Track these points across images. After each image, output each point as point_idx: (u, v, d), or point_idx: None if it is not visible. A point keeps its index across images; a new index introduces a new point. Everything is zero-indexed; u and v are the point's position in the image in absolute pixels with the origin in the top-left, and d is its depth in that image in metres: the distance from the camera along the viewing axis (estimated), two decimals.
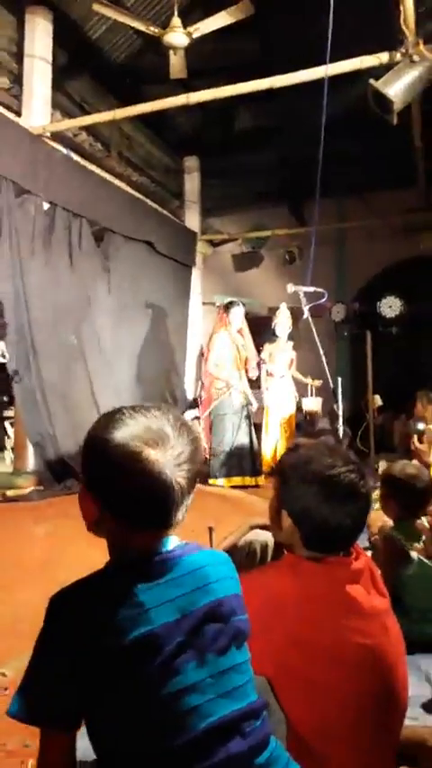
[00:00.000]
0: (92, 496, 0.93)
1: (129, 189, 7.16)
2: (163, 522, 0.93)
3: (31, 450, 5.32)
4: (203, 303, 9.04)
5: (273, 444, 6.37)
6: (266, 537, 1.64)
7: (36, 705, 0.88)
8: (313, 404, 6.92)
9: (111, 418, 0.94)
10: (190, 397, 8.08)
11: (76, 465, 5.23)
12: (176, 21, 5.13)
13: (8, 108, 5.47)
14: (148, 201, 7.61)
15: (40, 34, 5.61)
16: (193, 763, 0.85)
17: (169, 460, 0.90)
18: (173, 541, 0.97)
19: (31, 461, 5.33)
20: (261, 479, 5.85)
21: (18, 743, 1.56)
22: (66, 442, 5.31)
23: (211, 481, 5.69)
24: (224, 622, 0.93)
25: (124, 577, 0.92)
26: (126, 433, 0.91)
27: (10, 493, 4.80)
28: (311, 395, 6.81)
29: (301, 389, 6.69)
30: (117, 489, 0.91)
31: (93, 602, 0.90)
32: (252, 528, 1.66)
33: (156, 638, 0.87)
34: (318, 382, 6.46)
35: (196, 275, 8.88)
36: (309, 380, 6.55)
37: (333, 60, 4.04)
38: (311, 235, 6.77)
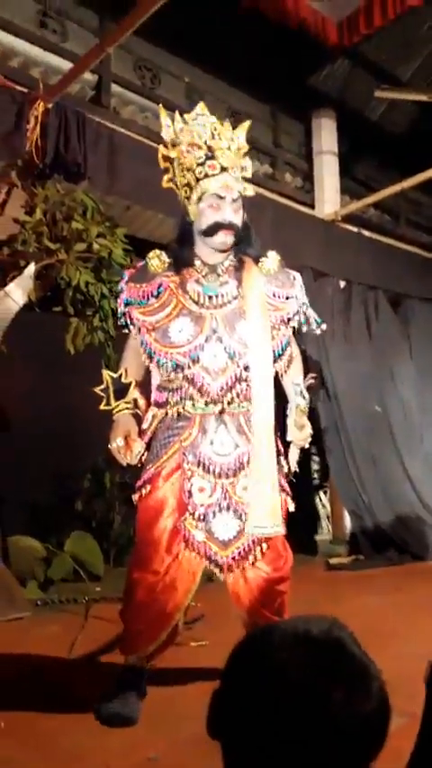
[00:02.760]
0: None
1: (420, 251, 7.14)
2: None
3: (347, 518, 5.45)
4: None
5: None
6: None
7: None
8: None
9: None
10: None
11: (395, 535, 5.18)
12: None
13: (302, 203, 6.03)
14: None
15: (326, 132, 6.16)
16: None
17: None
18: None
19: (348, 530, 5.45)
20: None
21: None
22: (382, 512, 5.30)
23: None
24: None
25: None
26: None
27: (333, 561, 4.95)
28: None
29: None
30: None
31: None
32: None
33: None
34: None
35: None
36: None
37: None
38: None
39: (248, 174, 2.36)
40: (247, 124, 2.38)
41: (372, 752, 0.71)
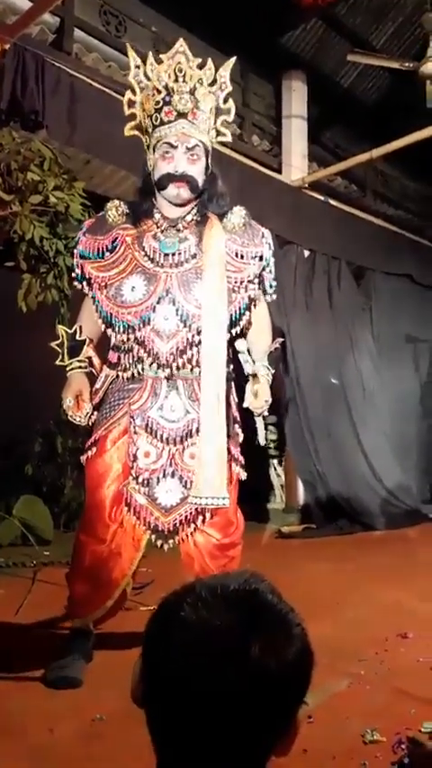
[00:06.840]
0: None
1: (385, 224, 7.13)
2: None
3: (300, 487, 5.51)
4: None
5: None
6: None
7: None
8: None
9: None
10: None
11: (347, 505, 5.27)
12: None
13: (269, 167, 5.90)
14: (406, 234, 7.48)
15: (296, 95, 6.01)
16: None
17: None
18: None
19: (301, 499, 5.51)
20: None
21: None
22: (335, 482, 5.38)
23: None
24: None
25: None
26: None
27: (285, 529, 5.01)
28: None
29: None
30: None
31: None
32: None
33: None
34: None
35: None
36: None
37: None
38: None
39: (230, 118, 2.20)
40: (232, 61, 2.16)
41: (299, 694, 0.72)
